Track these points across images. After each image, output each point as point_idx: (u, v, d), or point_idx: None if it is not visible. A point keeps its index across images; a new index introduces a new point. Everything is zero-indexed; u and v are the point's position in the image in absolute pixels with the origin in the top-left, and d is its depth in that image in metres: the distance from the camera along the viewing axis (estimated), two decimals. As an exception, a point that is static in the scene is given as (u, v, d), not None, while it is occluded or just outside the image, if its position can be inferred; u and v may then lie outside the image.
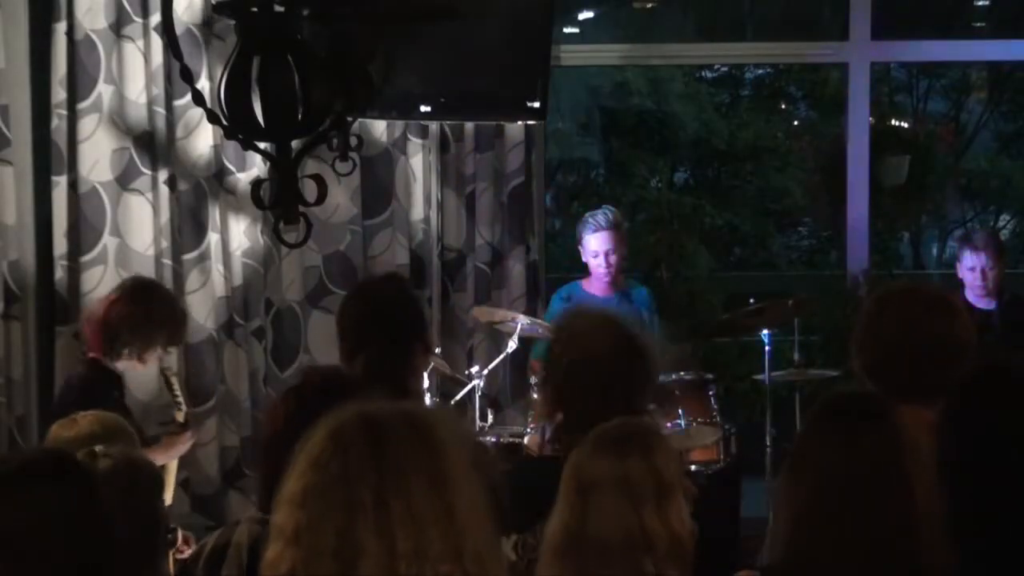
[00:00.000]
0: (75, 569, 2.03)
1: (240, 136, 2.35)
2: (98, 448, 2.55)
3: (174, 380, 4.12)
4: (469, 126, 5.41)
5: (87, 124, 5.01)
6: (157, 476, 2.72)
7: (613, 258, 5.09)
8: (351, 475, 1.51)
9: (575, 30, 8.64)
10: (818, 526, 2.12)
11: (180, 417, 4.10)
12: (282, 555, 1.54)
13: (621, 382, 2.73)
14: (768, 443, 5.05)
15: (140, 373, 4.20)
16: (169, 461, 4.00)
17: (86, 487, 2.15)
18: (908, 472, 2.12)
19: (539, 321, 5.14)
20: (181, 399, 4.12)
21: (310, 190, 2.40)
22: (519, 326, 4.96)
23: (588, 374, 2.72)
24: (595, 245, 5.09)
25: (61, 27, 4.97)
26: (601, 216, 5.11)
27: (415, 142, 5.39)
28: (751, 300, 5.31)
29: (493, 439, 4.65)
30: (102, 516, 2.13)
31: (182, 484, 5.04)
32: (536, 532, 2.42)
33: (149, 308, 4.02)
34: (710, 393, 4.95)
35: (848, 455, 2.14)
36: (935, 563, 2.09)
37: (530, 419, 4.80)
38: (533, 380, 4.91)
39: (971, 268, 5.11)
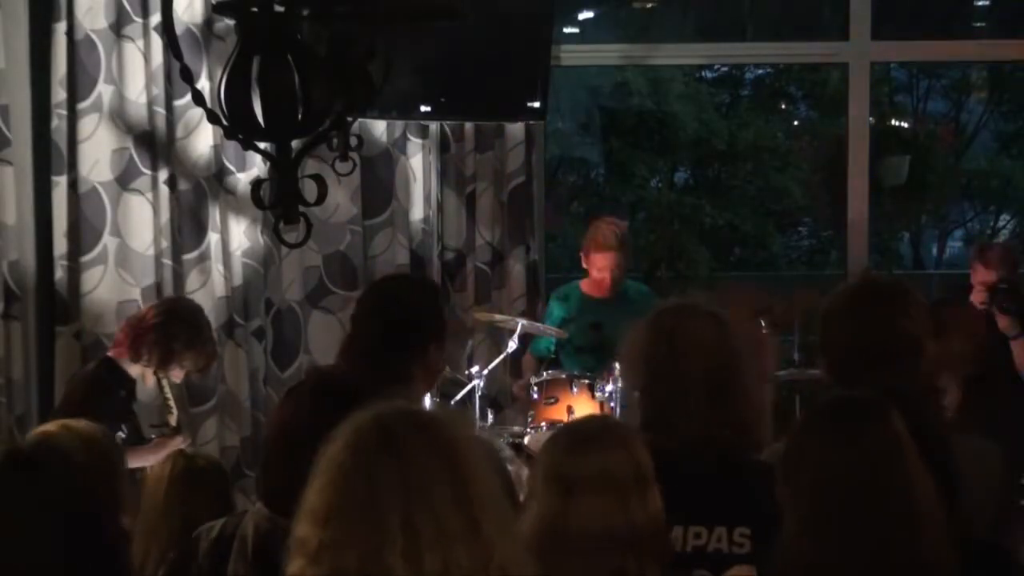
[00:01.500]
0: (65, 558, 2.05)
1: (240, 136, 2.35)
2: (187, 448, 2.63)
3: (166, 385, 4.14)
4: (469, 126, 5.41)
5: (87, 124, 5.01)
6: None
7: (616, 273, 5.10)
8: (377, 499, 1.50)
9: (575, 30, 8.63)
10: (821, 527, 2.12)
11: (172, 421, 4.14)
12: (304, 572, 1.53)
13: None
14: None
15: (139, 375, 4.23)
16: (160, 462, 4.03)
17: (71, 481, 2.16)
18: (909, 472, 2.13)
19: (537, 324, 5.15)
20: (172, 404, 4.15)
21: (310, 190, 2.40)
22: (519, 325, 4.96)
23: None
24: (600, 263, 5.09)
25: (61, 27, 4.97)
26: (610, 234, 5.08)
27: (415, 142, 5.39)
28: (751, 300, 5.31)
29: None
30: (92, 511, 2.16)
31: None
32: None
33: (181, 324, 4.15)
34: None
35: (848, 456, 2.14)
36: (937, 562, 2.09)
37: (530, 419, 4.80)
38: (533, 380, 4.91)
39: (981, 282, 5.02)
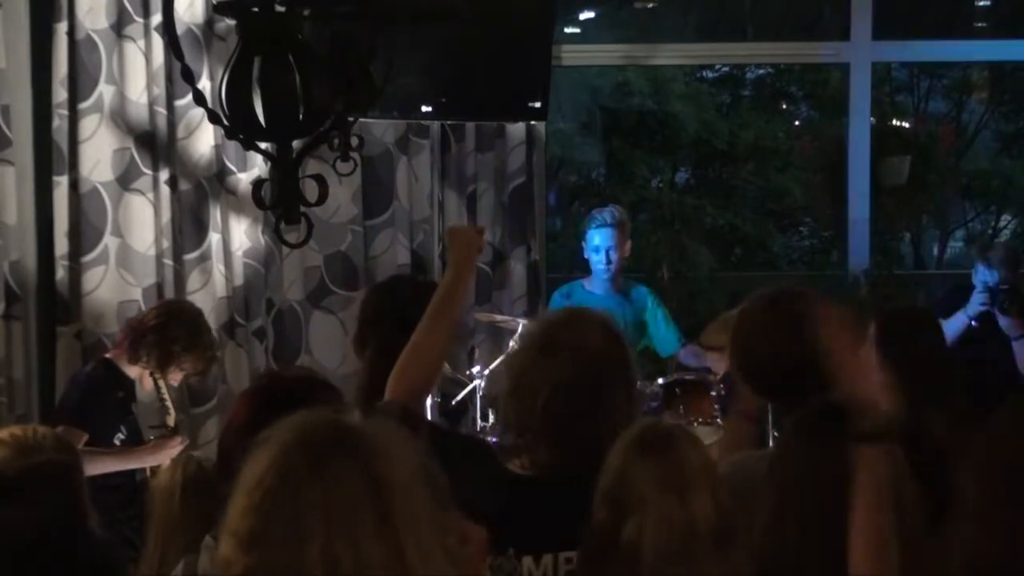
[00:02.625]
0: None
1: (241, 136, 2.34)
2: (196, 454, 2.61)
3: (163, 385, 4.14)
4: (470, 126, 5.42)
5: (88, 124, 5.01)
6: None
7: (613, 255, 5.11)
8: (300, 527, 1.48)
9: (576, 30, 8.63)
10: (782, 533, 2.12)
11: (171, 422, 4.14)
12: None
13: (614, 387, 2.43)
14: (769, 444, 5.03)
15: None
16: (159, 463, 4.02)
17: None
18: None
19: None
20: (170, 404, 4.15)
21: (311, 190, 2.40)
22: (520, 325, 4.96)
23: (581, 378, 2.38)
24: (597, 240, 5.12)
25: (62, 27, 4.97)
26: (607, 213, 5.15)
27: (416, 142, 5.39)
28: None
29: (494, 440, 4.64)
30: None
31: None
32: (510, 555, 2.29)
33: (180, 327, 4.16)
34: (711, 393, 4.95)
35: (812, 462, 2.14)
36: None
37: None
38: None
39: (983, 282, 4.98)
